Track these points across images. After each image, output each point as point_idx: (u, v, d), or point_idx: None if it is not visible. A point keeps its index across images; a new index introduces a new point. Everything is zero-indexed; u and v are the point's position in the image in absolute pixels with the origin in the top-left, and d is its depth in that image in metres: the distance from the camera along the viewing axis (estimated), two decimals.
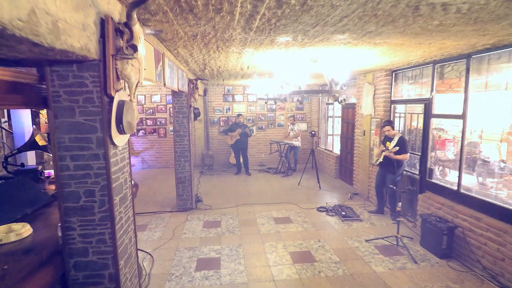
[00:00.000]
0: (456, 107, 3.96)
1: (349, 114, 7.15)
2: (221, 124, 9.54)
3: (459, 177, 3.84)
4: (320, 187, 6.94)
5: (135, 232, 2.22)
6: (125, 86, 1.88)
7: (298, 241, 4.28)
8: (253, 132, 9.22)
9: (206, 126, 9.37)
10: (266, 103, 7.71)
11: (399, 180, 4.88)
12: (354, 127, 6.71)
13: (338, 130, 8.19)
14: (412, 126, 5.24)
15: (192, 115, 5.72)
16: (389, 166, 4.77)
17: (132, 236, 2.15)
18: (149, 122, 9.25)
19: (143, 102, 9.17)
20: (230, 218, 5.17)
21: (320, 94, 3.97)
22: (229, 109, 9.52)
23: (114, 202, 1.77)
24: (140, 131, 9.25)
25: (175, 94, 5.30)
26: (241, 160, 8.50)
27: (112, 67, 1.67)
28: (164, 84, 3.32)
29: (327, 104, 8.85)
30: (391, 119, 5.34)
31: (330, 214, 5.25)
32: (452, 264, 3.59)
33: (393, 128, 4.77)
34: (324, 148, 8.97)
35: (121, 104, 1.78)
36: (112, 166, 1.76)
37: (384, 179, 4.97)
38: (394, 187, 4.47)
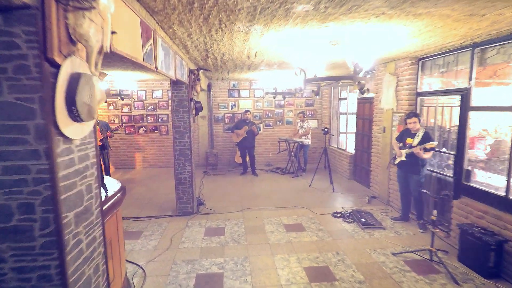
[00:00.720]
0: (503, 97, 3.34)
1: (366, 109, 6.53)
2: (226, 121, 8.99)
3: (508, 181, 3.21)
4: (333, 189, 6.34)
5: (106, 257, 1.66)
6: (86, 54, 1.33)
7: (314, 253, 3.69)
8: (260, 130, 8.65)
9: (210, 123, 8.83)
10: (274, 97, 7.15)
11: (423, 182, 4.27)
12: (371, 124, 6.09)
13: (352, 127, 7.57)
14: (443, 121, 4.61)
15: (194, 110, 5.17)
16: (413, 165, 4.16)
17: (101, 263, 1.59)
18: (150, 119, 8.74)
19: (144, 98, 8.66)
20: (235, 225, 4.61)
21: (340, 82, 3.38)
22: (234, 105, 8.96)
23: (65, 221, 1.21)
24: (141, 128, 8.75)
25: (174, 85, 4.76)
26: (248, 159, 7.94)
27: (57, 19, 1.11)
28: (156, 68, 2.77)
29: (340, 99, 8.22)
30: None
31: (347, 220, 4.65)
32: (502, 286, 2.98)
33: (419, 121, 4.16)
34: (336, 146, 8.35)
35: (75, 77, 1.23)
36: (62, 169, 1.21)
37: (407, 181, 4.36)
38: (427, 191, 3.85)
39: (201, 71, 4.95)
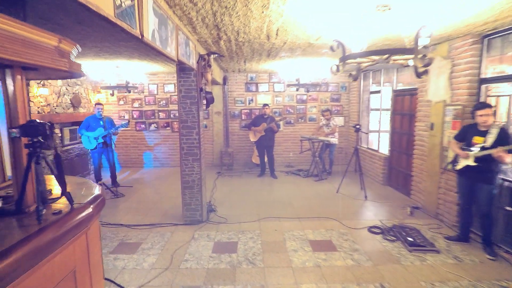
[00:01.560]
0: None
1: (405, 103, 5.57)
2: (243, 118, 8.24)
3: None
4: (366, 196, 5.43)
5: None
6: None
7: (351, 284, 2.85)
8: (280, 127, 7.83)
9: (225, 120, 8.11)
10: (297, 89, 6.30)
11: (496, 194, 3.31)
12: (413, 120, 5.13)
13: (385, 125, 6.61)
14: None
15: (204, 102, 4.45)
16: (484, 172, 3.21)
17: None
18: (161, 115, 8.14)
19: (155, 92, 8.07)
20: (250, 239, 3.84)
21: (391, 61, 2.50)
22: (252, 100, 8.20)
23: None
24: (152, 124, 8.17)
25: (181, 72, 4.05)
26: (266, 160, 7.16)
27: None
28: (141, 35, 2.04)
29: (371, 93, 7.26)
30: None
31: (388, 238, 3.76)
32: None
33: (494, 113, 3.20)
34: (366, 147, 7.39)
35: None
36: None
37: (473, 191, 3.40)
38: (509, 208, 2.91)
39: (212, 56, 4.21)
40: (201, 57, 4.18)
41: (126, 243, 3.76)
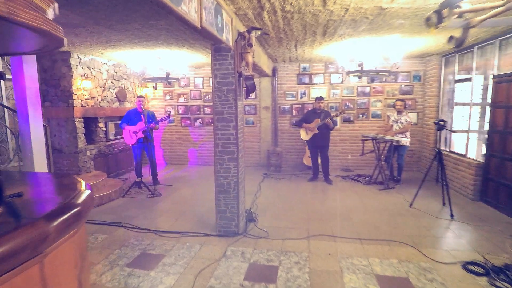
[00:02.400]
0: None
1: (511, 93, 4.12)
2: (294, 114, 7.35)
3: None
4: (451, 214, 4.13)
5: None
6: None
7: None
8: (336, 124, 6.75)
9: (274, 116, 7.32)
10: (360, 77, 5.18)
11: None
12: None
13: (474, 123, 5.12)
14: None
15: (244, 89, 3.70)
16: None
17: None
18: (207, 110, 7.67)
19: (201, 86, 7.64)
20: (295, 264, 2.97)
21: None
22: (304, 93, 7.26)
23: None
24: (197, 120, 7.76)
25: (216, 54, 3.36)
26: (319, 161, 6.18)
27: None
28: None
29: (456, 82, 5.77)
30: None
31: (498, 285, 2.56)
32: None
33: None
34: (448, 150, 5.92)
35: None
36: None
37: None
38: None
39: (254, 32, 3.44)
40: (240, 35, 3.44)
41: (147, 254, 3.20)
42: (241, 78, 3.55)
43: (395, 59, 4.95)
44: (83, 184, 1.65)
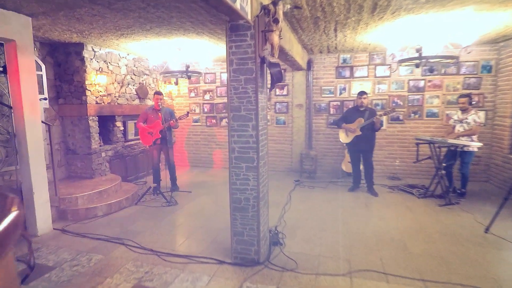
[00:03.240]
0: None
1: None
2: (331, 112, 6.40)
3: None
4: None
5: None
6: None
7: None
8: (382, 125, 5.70)
9: (308, 115, 6.43)
10: (417, 66, 4.09)
11: None
12: None
13: None
14: None
15: (268, 78, 2.92)
16: None
17: None
18: None
19: None
20: None
21: None
22: (344, 89, 6.28)
23: None
24: (223, 119, 7.12)
25: (232, 34, 2.61)
26: (362, 168, 5.21)
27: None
28: None
29: None
30: None
31: None
32: None
33: None
34: None
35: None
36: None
37: None
38: None
39: (281, 3, 2.64)
40: (263, 9, 2.66)
41: (141, 286, 2.54)
42: (264, 64, 2.76)
43: (465, 43, 3.86)
44: (12, 202, 1.01)
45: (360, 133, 4.86)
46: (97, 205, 4.20)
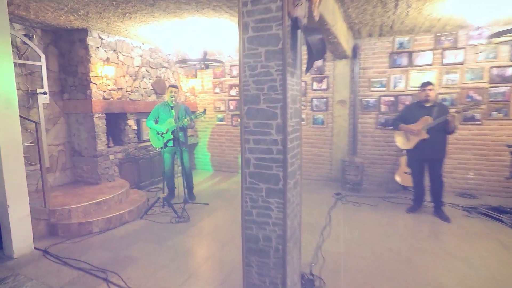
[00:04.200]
0: None
1: None
2: (383, 110, 5.18)
3: None
4: None
5: None
6: None
7: None
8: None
9: (353, 113, 5.28)
10: None
11: None
12: None
13: None
14: None
15: (304, 52, 1.92)
16: None
17: None
18: None
19: None
20: None
21: None
22: (400, 80, 5.03)
23: None
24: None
25: None
26: (427, 182, 3.97)
27: None
28: None
29: None
30: None
31: None
32: None
33: None
34: None
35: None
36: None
37: None
38: None
39: None
40: None
41: None
42: (298, 30, 1.77)
43: None
44: None
45: (426, 136, 3.65)
46: (94, 219, 3.49)
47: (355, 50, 5.04)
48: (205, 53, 4.08)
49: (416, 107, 3.89)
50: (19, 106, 4.01)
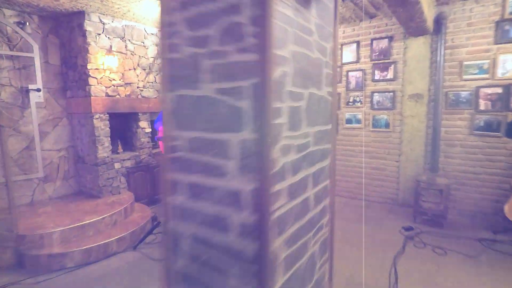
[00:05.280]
0: None
1: None
2: (482, 107, 3.51)
3: None
4: None
5: None
6: None
7: None
8: None
9: (433, 112, 3.71)
10: None
11: None
12: None
13: None
14: None
15: None
16: None
17: None
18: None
19: None
20: None
21: None
22: None
23: None
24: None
25: None
26: None
27: None
28: None
29: None
30: None
31: None
32: None
33: None
34: None
35: None
36: None
37: None
38: None
39: None
40: None
41: None
42: None
43: None
44: None
45: None
46: (69, 250, 2.70)
47: (440, 21, 3.49)
48: None
49: None
50: (8, 105, 3.52)
